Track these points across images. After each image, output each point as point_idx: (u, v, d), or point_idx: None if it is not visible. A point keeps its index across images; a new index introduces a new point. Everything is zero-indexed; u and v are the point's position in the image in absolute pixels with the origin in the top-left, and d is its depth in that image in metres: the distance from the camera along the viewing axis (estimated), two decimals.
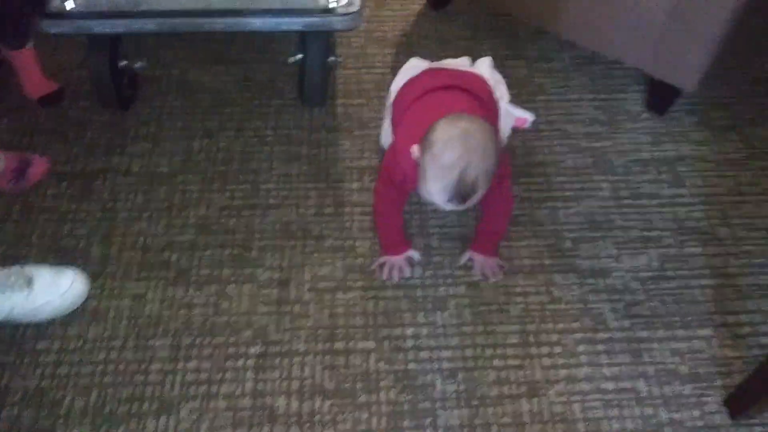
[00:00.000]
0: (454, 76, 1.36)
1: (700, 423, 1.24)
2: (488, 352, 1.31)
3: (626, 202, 1.54)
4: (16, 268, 1.29)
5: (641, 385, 1.28)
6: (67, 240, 1.43)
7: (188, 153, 1.58)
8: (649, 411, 1.25)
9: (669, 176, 1.58)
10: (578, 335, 1.34)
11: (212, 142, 1.60)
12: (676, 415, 1.24)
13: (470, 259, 1.41)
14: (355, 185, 1.54)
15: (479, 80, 1.37)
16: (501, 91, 1.42)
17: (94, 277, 1.37)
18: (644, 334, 1.34)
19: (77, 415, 1.20)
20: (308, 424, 1.21)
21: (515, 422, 1.22)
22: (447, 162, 1.09)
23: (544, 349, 1.31)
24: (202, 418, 1.21)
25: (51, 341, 1.29)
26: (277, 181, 1.54)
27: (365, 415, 1.22)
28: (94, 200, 1.49)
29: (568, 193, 1.55)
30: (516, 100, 1.48)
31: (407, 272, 1.39)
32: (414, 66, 1.44)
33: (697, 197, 1.55)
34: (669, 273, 1.43)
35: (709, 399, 1.26)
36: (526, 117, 1.52)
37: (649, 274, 1.43)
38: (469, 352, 1.30)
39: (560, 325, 1.35)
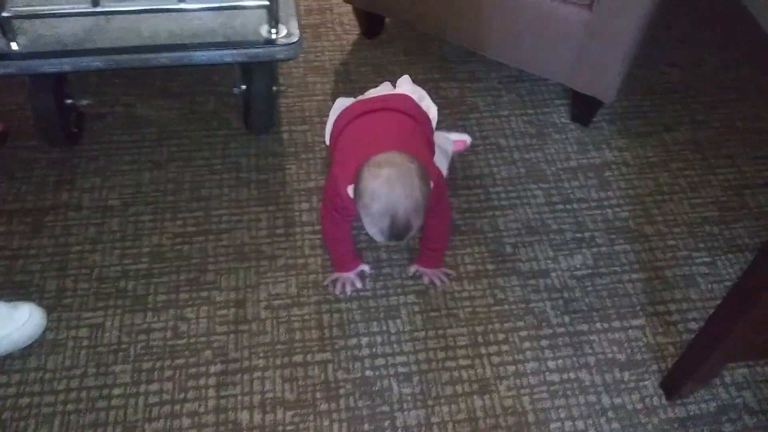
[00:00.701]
0: (381, 100, 1.44)
1: (639, 406, 1.33)
2: (440, 354, 1.38)
3: (559, 207, 1.64)
4: None
5: (584, 374, 1.37)
6: (21, 275, 1.44)
7: (138, 185, 1.62)
8: (593, 398, 1.33)
9: (596, 181, 1.70)
10: (523, 333, 1.42)
11: (161, 173, 1.65)
12: (618, 400, 1.33)
13: (417, 271, 1.49)
14: (304, 206, 1.61)
15: (404, 98, 1.45)
16: (427, 103, 1.50)
17: (50, 309, 1.39)
18: (584, 327, 1.44)
19: None
20: None
21: (469, 418, 1.29)
22: (377, 212, 1.15)
23: (492, 348, 1.39)
24: None
25: (10, 374, 1.30)
26: (228, 207, 1.59)
27: (326, 422, 1.27)
28: (46, 236, 1.51)
29: (504, 202, 1.64)
30: (450, 119, 1.58)
31: (359, 285, 1.46)
32: (341, 104, 1.50)
33: (623, 199, 1.67)
34: (602, 270, 1.53)
35: (646, 383, 1.36)
36: (464, 139, 1.66)
37: (585, 272, 1.53)
38: (422, 356, 1.37)
39: (506, 325, 1.43)
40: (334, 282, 1.46)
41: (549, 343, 1.41)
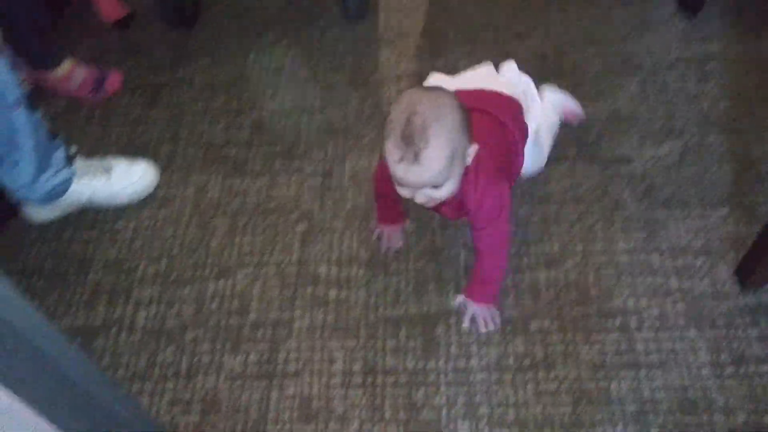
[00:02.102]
0: (477, 96, 1.24)
1: (709, 291, 1.32)
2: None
3: (652, 97, 1.60)
4: (96, 159, 1.50)
5: (654, 257, 1.37)
6: (139, 140, 1.63)
7: (243, 66, 1.75)
8: (661, 280, 1.34)
9: (696, 73, 1.63)
10: (597, 215, 1.43)
11: (264, 57, 1.77)
12: (687, 284, 1.33)
13: (462, 304, 1.32)
14: (393, 90, 1.67)
15: (503, 100, 1.27)
16: (531, 92, 1.35)
17: (163, 169, 1.56)
18: (661, 214, 1.42)
19: (150, 279, 1.40)
20: (345, 286, 1.37)
21: (532, 288, 1.34)
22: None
23: (564, 227, 1.42)
24: (255, 282, 1.39)
25: (127, 221, 1.49)
26: (323, 88, 1.69)
27: (395, 280, 1.37)
28: (161, 107, 1.69)
29: (594, 91, 1.62)
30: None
31: (400, 243, 1.41)
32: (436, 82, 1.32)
33: (722, 93, 1.60)
34: (689, 160, 1.50)
35: (719, 270, 1.34)
36: (576, 112, 1.52)
37: (670, 161, 1.50)
38: None
39: (580, 206, 1.44)
40: (380, 237, 1.41)
41: (622, 226, 1.41)
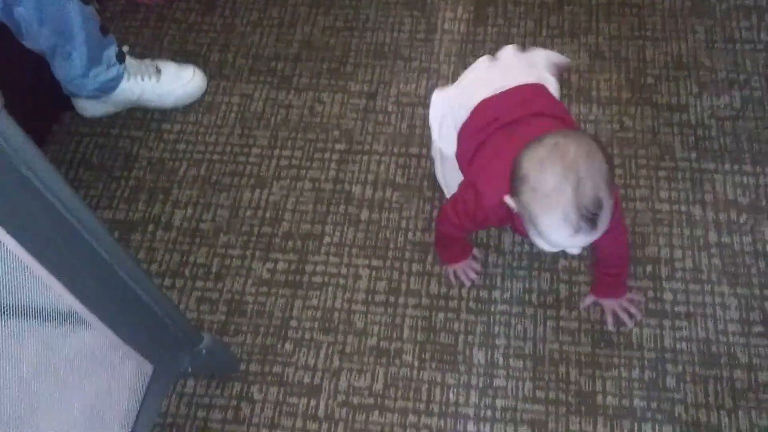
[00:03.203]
0: (517, 102, 1.12)
1: (748, 248, 1.28)
2: None
3: (718, 45, 1.52)
4: (147, 60, 1.52)
5: (696, 209, 1.33)
6: (191, 46, 1.64)
7: None
8: (699, 232, 1.30)
9: None
10: (642, 161, 1.39)
11: None
12: (726, 239, 1.29)
13: (595, 303, 1.23)
14: (448, 14, 1.63)
15: (539, 92, 1.16)
16: (539, 66, 1.23)
17: (211, 77, 1.58)
18: (710, 165, 1.37)
19: (190, 181, 1.44)
20: (378, 208, 1.37)
21: None
22: (552, 185, 0.87)
23: None
24: (290, 195, 1.41)
25: (172, 123, 1.52)
26: (376, 8, 1.66)
27: (427, 207, 1.37)
28: (216, 15, 1.69)
29: (658, 34, 1.55)
30: None
31: (478, 268, 1.28)
32: (445, 99, 1.24)
33: None
34: (749, 113, 1.43)
35: (764, 229, 1.30)
36: (563, 63, 1.34)
37: (728, 113, 1.43)
38: None
39: (626, 150, 1.40)
40: (454, 276, 1.28)
41: (667, 174, 1.37)
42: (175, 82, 1.51)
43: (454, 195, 1.15)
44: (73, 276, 0.80)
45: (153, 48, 1.63)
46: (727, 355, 1.18)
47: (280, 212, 1.39)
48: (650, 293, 1.24)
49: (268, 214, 1.38)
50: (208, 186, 1.43)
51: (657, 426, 1.13)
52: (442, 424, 1.15)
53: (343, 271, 1.31)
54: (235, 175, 1.44)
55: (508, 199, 0.95)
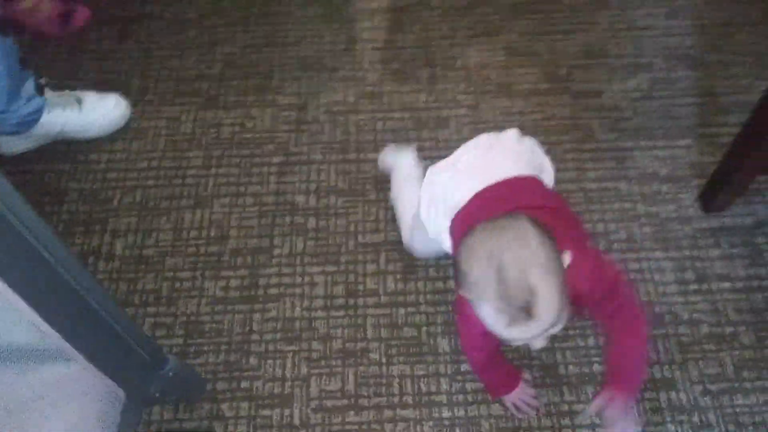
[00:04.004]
0: (505, 196, 1.05)
1: (674, 215, 1.38)
2: None
3: (622, 33, 1.64)
4: (67, 91, 1.47)
5: (622, 185, 1.42)
6: (109, 74, 1.60)
7: (213, 1, 1.73)
8: (628, 205, 1.39)
9: (665, 10, 1.67)
10: (567, 146, 1.47)
11: None
12: (653, 209, 1.38)
13: (602, 409, 0.99)
14: (366, 24, 1.67)
15: (536, 186, 1.09)
16: (544, 164, 1.19)
17: (134, 103, 1.54)
18: (629, 143, 1.47)
19: (126, 209, 1.40)
20: (324, 215, 1.38)
21: None
22: (477, 274, 0.82)
23: None
24: (233, 211, 1.39)
25: (100, 153, 1.48)
26: (295, 23, 1.68)
27: (374, 209, 1.39)
28: (132, 41, 1.66)
29: (566, 27, 1.65)
30: None
31: (533, 399, 1.17)
32: (436, 184, 1.14)
33: (690, 28, 1.64)
34: (656, 94, 1.54)
35: (684, 196, 1.40)
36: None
37: (638, 94, 1.54)
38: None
39: (552, 137, 1.48)
40: (514, 408, 1.18)
41: (591, 156, 1.46)
42: (98, 111, 1.47)
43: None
44: (42, 301, 0.77)
45: (70, 79, 1.57)
46: (670, 314, 1.26)
47: (225, 230, 1.37)
48: None
49: (213, 233, 1.37)
50: (146, 212, 1.39)
51: None
52: (418, 414, 1.16)
53: (298, 280, 1.31)
54: (173, 198, 1.41)
55: (462, 293, 0.87)
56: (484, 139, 1.18)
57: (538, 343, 0.88)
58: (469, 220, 1.00)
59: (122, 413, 0.97)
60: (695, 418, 1.16)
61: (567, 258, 0.85)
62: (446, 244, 1.11)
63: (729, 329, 1.24)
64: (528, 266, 0.80)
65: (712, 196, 1.35)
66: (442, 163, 1.18)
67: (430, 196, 1.15)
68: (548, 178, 1.15)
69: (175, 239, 1.36)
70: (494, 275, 0.79)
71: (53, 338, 0.79)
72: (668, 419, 1.16)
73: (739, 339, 1.23)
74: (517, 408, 1.17)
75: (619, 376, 1.01)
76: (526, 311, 0.79)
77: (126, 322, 0.95)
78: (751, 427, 1.15)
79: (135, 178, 1.44)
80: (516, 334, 0.83)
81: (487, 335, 0.92)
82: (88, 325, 0.86)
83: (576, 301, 0.88)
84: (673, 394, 1.18)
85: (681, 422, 1.15)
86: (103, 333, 0.89)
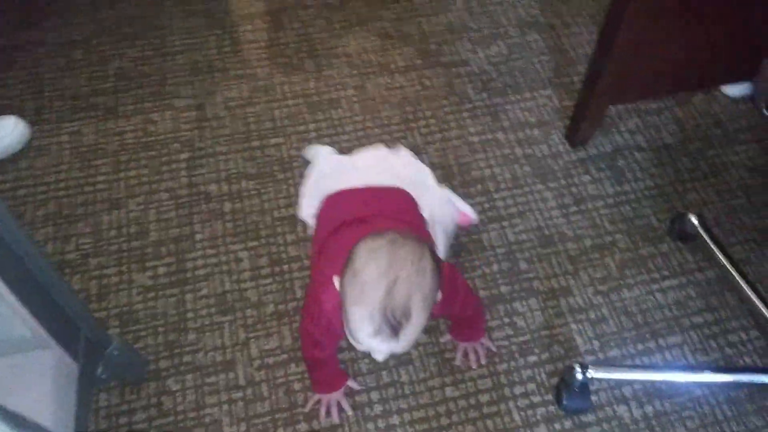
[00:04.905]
0: (373, 197, 1.18)
1: (547, 153, 1.57)
2: (376, 131, 1.60)
3: (476, 10, 1.85)
4: None
5: (500, 135, 1.60)
6: (1, 101, 1.62)
7: (97, 21, 1.78)
8: (507, 151, 1.57)
9: None
10: (447, 109, 1.64)
11: (116, 11, 1.81)
12: (529, 151, 1.57)
13: (452, 342, 1.29)
14: (248, 27, 1.79)
15: (401, 197, 1.20)
16: (428, 182, 1.31)
17: (32, 124, 1.57)
18: (499, 100, 1.66)
19: (40, 221, 1.42)
20: (238, 198, 1.47)
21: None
22: (370, 277, 0.84)
23: (421, 123, 1.61)
24: (149, 207, 1.45)
25: (5, 174, 1.50)
26: (180, 33, 1.77)
27: (284, 186, 1.49)
28: (18, 68, 1.68)
29: (428, 9, 1.84)
30: None
31: (346, 407, 1.21)
32: (322, 170, 1.31)
33: (533, 0, 1.87)
34: (515, 56, 1.75)
35: (553, 137, 1.60)
36: (470, 216, 1.38)
37: (500, 58, 1.74)
38: (366, 128, 1.59)
39: (433, 104, 1.65)
40: (317, 407, 1.21)
41: (470, 114, 1.63)
42: None
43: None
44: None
45: None
46: (557, 234, 1.44)
47: (145, 225, 1.43)
48: (486, 205, 1.47)
49: (132, 230, 1.42)
50: (61, 220, 1.43)
51: (523, 301, 1.34)
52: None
53: (223, 258, 1.38)
54: (87, 204, 1.45)
55: (336, 280, 0.91)
56: (380, 147, 1.36)
57: (381, 357, 0.91)
58: (340, 208, 1.16)
59: (77, 392, 1.01)
60: (592, 315, 1.33)
61: (438, 295, 0.91)
62: (309, 221, 1.26)
63: (608, 238, 1.43)
64: (417, 292, 0.84)
65: (575, 131, 1.56)
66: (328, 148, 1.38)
67: (318, 174, 1.30)
68: (422, 189, 1.25)
69: (96, 241, 1.40)
70: (384, 287, 0.83)
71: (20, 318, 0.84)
72: (570, 320, 1.32)
73: (617, 245, 1.43)
74: (327, 410, 1.19)
75: (466, 330, 1.26)
76: (393, 330, 0.84)
77: (72, 301, 1.00)
78: (639, 315, 1.33)
79: (45, 191, 1.47)
80: (372, 344, 0.87)
81: (333, 334, 1.01)
82: (46, 305, 0.92)
83: (434, 316, 1.01)
84: (570, 299, 1.35)
85: (581, 321, 1.32)
86: (57, 312, 0.95)
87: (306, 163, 1.46)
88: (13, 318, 0.93)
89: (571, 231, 1.44)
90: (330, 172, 1.29)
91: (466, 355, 1.27)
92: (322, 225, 1.18)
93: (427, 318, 0.88)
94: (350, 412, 1.21)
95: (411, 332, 0.86)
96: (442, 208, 1.29)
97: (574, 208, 1.48)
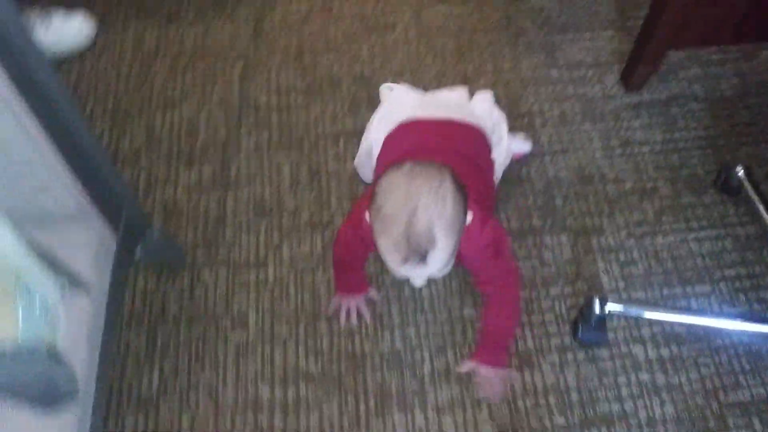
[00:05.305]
0: (442, 129, 1.18)
1: (599, 94, 1.54)
2: (431, 59, 1.60)
3: None
4: (33, 10, 1.55)
5: (554, 72, 1.58)
6: None
7: None
8: (559, 88, 1.55)
9: None
10: (503, 42, 1.62)
11: None
12: (581, 90, 1.55)
13: (474, 371, 1.18)
14: None
15: (476, 137, 1.20)
16: (501, 131, 1.28)
17: (99, 22, 1.63)
18: (558, 37, 1.63)
19: (99, 115, 1.50)
20: (285, 111, 1.51)
21: None
22: (390, 210, 0.87)
23: (475, 53, 1.60)
24: (201, 110, 1.51)
25: (69, 70, 1.57)
26: None
27: (330, 104, 1.52)
28: None
29: None
30: None
31: (367, 315, 1.24)
32: (400, 100, 1.30)
33: None
34: None
35: (608, 78, 1.57)
36: (524, 150, 1.43)
37: None
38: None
39: (489, 36, 1.63)
40: (338, 310, 1.25)
41: (525, 49, 1.61)
42: (65, 29, 1.56)
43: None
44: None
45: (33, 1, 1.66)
46: (598, 174, 1.43)
47: (195, 127, 1.48)
48: (531, 138, 1.47)
49: (183, 130, 1.48)
50: (118, 116, 1.50)
51: (554, 236, 1.35)
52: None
53: (266, 165, 1.43)
54: (143, 102, 1.52)
55: (367, 213, 0.94)
56: (463, 90, 1.33)
57: (419, 282, 0.95)
58: (398, 146, 1.16)
59: (113, 268, 1.07)
60: (621, 257, 1.33)
61: (468, 218, 0.94)
62: (367, 169, 1.28)
63: (650, 184, 1.41)
64: (437, 219, 0.86)
65: (631, 74, 1.52)
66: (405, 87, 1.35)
67: (387, 109, 1.29)
68: (497, 137, 1.26)
69: (148, 138, 1.47)
70: (405, 218, 0.86)
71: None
72: (598, 259, 1.32)
73: (658, 191, 1.40)
74: (348, 314, 1.23)
75: (484, 349, 1.16)
76: (421, 257, 0.87)
77: (120, 183, 1.07)
78: (670, 261, 1.32)
79: (105, 88, 1.54)
80: (404, 271, 0.91)
81: (366, 246, 1.03)
82: (94, 181, 0.98)
83: (462, 257, 1.00)
84: (602, 239, 1.35)
85: (609, 261, 1.32)
86: (103, 189, 1.01)
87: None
88: (63, 190, 0.99)
89: (613, 173, 1.43)
90: (407, 102, 1.29)
91: (485, 390, 1.17)
92: (388, 152, 1.19)
93: (458, 240, 0.90)
94: (369, 319, 1.25)
95: (440, 257, 0.88)
96: (508, 153, 1.32)
97: (619, 151, 1.46)
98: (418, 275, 0.93)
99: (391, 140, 1.20)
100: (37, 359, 0.74)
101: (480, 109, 1.28)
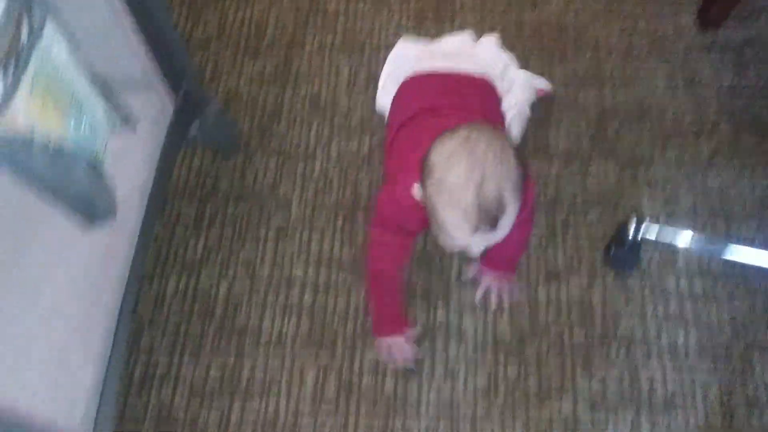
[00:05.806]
0: (449, 85, 1.15)
1: (671, 31, 1.50)
2: None
3: None
4: None
5: (627, 6, 1.54)
6: None
7: None
8: (629, 23, 1.52)
9: None
10: None
11: None
12: (653, 26, 1.51)
13: (479, 274, 1.20)
14: None
15: (484, 87, 1.18)
16: (511, 73, 1.25)
17: None
18: None
19: (177, 3, 1.56)
20: (352, 18, 1.54)
21: (518, 27, 1.52)
22: (455, 181, 0.85)
23: None
24: (271, 11, 1.55)
25: None
26: None
27: (396, 16, 1.54)
28: None
29: None
30: None
31: (417, 353, 1.16)
32: (403, 55, 1.28)
33: None
34: None
35: (684, 17, 1.52)
36: (544, 88, 1.38)
37: None
38: None
39: None
40: (388, 352, 1.15)
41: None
42: None
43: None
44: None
45: None
46: (657, 109, 1.40)
47: (264, 25, 1.53)
48: (591, 70, 1.45)
49: (253, 27, 1.53)
50: (196, 5, 1.56)
51: (601, 163, 1.34)
52: None
53: (326, 66, 1.47)
54: None
55: (417, 189, 0.92)
56: (465, 33, 1.30)
57: (478, 250, 0.92)
58: (417, 94, 1.15)
59: (166, 138, 1.13)
60: (668, 190, 1.31)
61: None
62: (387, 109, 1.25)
63: (709, 125, 1.38)
64: (506, 183, 0.84)
65: (706, 11, 1.47)
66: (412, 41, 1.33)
67: (393, 66, 1.28)
68: (507, 83, 1.22)
69: (220, 29, 1.53)
70: (474, 186, 0.83)
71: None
72: (643, 191, 1.31)
73: (717, 131, 1.37)
74: (391, 356, 1.14)
75: (490, 260, 1.16)
76: (492, 224, 0.85)
77: (184, 56, 1.12)
78: (717, 200, 1.30)
79: None
80: (474, 241, 0.89)
81: (406, 247, 1.05)
82: (160, 50, 1.04)
83: None
84: (650, 171, 1.33)
85: (654, 193, 1.31)
86: (167, 58, 1.07)
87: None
88: (130, 57, 1.06)
89: (672, 109, 1.40)
90: (411, 55, 1.27)
91: (486, 290, 1.19)
92: (397, 111, 1.19)
93: (520, 202, 0.88)
94: (413, 360, 1.15)
95: (509, 220, 0.87)
96: (524, 93, 1.27)
97: (682, 89, 1.42)
98: (485, 243, 0.91)
99: (398, 99, 1.20)
100: (78, 165, 0.81)
101: (486, 53, 1.25)
